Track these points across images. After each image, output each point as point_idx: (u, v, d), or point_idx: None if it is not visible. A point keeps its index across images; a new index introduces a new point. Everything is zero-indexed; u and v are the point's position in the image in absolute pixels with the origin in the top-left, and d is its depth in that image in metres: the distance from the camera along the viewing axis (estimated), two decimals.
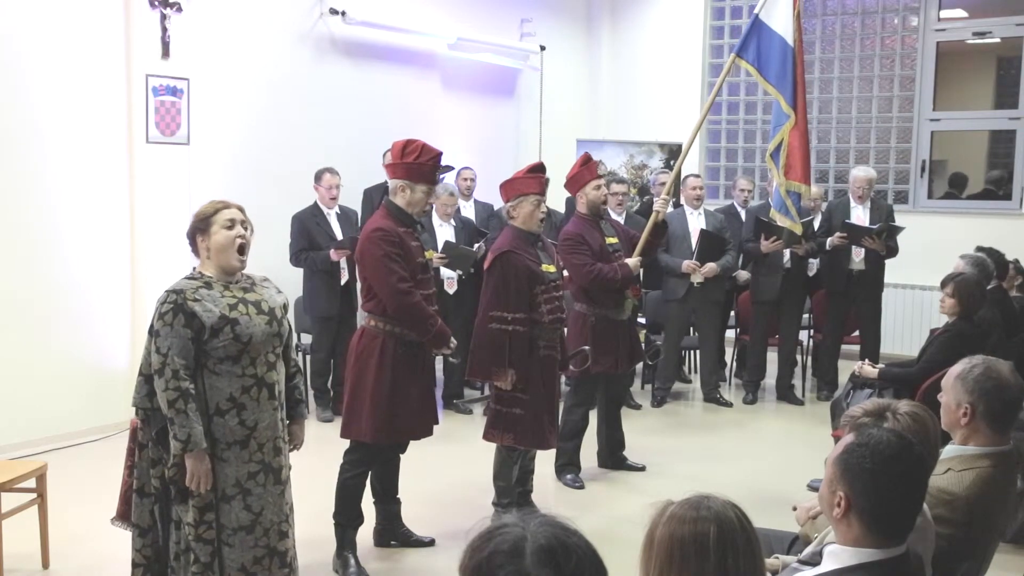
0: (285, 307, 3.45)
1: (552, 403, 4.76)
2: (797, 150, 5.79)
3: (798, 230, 6.34)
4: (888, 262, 7.30)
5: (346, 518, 4.24)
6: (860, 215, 7.24)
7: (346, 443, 4.26)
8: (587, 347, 5.19)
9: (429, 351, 4.30)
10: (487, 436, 4.68)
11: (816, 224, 7.37)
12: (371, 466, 4.31)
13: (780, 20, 5.72)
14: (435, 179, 4.27)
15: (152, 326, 3.20)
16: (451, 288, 6.88)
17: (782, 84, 5.71)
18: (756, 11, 5.79)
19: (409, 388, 4.17)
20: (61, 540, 4.35)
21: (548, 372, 4.71)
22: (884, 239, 7.02)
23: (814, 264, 7.49)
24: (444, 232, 6.87)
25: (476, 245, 6.81)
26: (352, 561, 4.19)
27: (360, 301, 4.37)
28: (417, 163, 4.12)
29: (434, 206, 6.54)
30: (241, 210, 3.34)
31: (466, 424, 6.47)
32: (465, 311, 6.54)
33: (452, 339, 4.30)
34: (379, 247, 4.04)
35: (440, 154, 4.20)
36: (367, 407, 4.10)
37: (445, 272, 6.82)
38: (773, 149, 5.84)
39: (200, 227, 3.28)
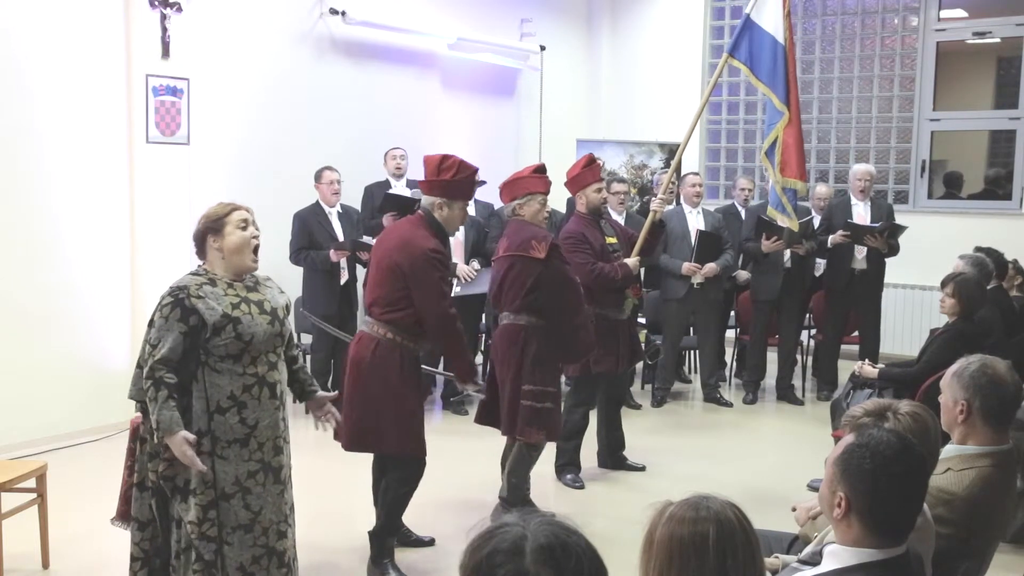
0: (287, 307, 3.45)
1: (560, 396, 4.86)
2: (792, 147, 5.83)
3: (795, 227, 6.38)
4: (888, 261, 7.30)
5: (389, 531, 4.21)
6: (861, 212, 7.23)
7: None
8: None
9: (429, 377, 4.29)
10: (523, 434, 4.58)
11: (816, 223, 7.37)
12: (419, 480, 4.22)
13: (770, 19, 5.78)
14: (472, 195, 4.25)
15: (152, 319, 3.22)
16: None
17: (774, 82, 5.76)
18: (747, 11, 5.84)
19: (421, 401, 4.21)
20: (61, 540, 4.35)
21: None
22: (886, 237, 7.02)
23: (821, 264, 7.49)
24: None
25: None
26: (391, 568, 4.14)
27: (367, 306, 4.25)
28: (455, 180, 4.08)
29: None
30: (250, 211, 3.36)
31: (465, 424, 6.45)
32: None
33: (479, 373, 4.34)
34: (437, 269, 4.02)
35: (476, 170, 4.16)
36: (398, 422, 4.05)
37: None
38: (768, 147, 5.88)
39: (213, 228, 3.28)
